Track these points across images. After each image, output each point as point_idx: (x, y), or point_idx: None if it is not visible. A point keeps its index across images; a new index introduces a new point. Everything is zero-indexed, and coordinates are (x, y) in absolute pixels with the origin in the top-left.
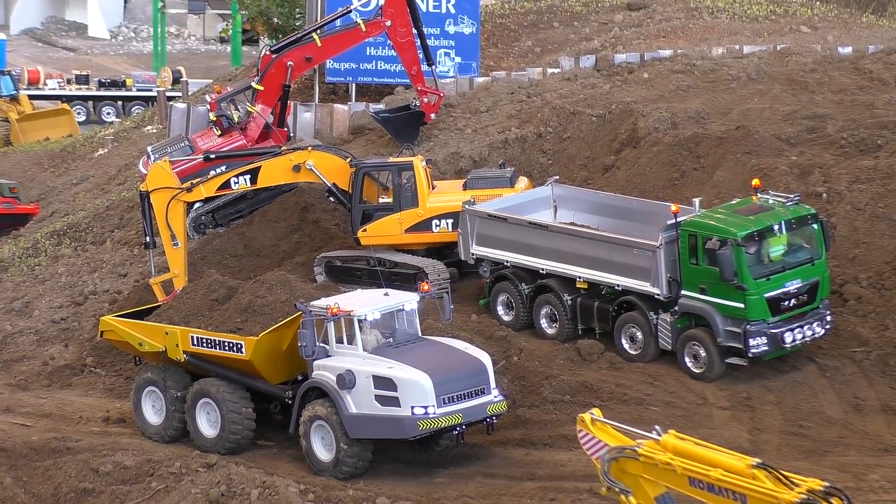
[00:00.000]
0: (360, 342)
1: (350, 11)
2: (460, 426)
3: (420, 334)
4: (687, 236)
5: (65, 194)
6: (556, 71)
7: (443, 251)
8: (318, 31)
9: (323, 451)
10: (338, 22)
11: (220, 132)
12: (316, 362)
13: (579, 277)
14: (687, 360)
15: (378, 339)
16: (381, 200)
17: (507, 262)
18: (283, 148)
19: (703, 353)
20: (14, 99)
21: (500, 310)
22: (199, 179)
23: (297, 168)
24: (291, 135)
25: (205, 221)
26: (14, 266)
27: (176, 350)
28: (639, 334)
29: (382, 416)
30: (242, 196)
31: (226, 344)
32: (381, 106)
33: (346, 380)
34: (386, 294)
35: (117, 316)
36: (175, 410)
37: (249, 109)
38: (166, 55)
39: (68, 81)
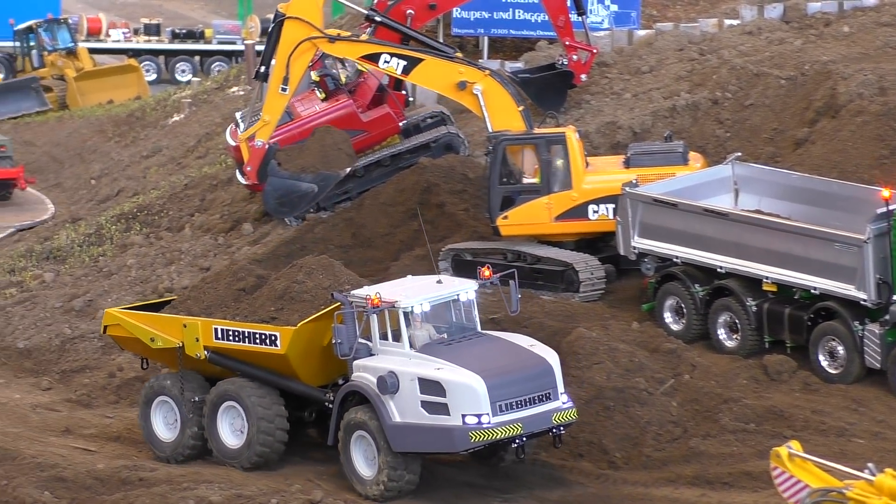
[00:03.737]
0: (408, 338)
1: None
2: (520, 437)
3: (479, 328)
4: None
5: (133, 169)
6: (735, 22)
7: (596, 244)
8: None
9: (364, 466)
10: None
11: (323, 95)
12: (356, 362)
13: (766, 278)
14: None
15: (430, 335)
16: (525, 181)
17: (677, 257)
18: (459, 53)
19: None
20: (71, 53)
21: (668, 316)
22: (348, 34)
23: (461, 85)
24: (411, 98)
25: None
26: (73, 256)
27: (196, 345)
28: (840, 349)
29: (429, 425)
30: (352, 174)
31: (257, 336)
32: (519, 65)
33: (388, 383)
34: (439, 282)
35: (126, 308)
36: (192, 420)
37: (360, 68)
38: (253, 0)
39: (135, 32)
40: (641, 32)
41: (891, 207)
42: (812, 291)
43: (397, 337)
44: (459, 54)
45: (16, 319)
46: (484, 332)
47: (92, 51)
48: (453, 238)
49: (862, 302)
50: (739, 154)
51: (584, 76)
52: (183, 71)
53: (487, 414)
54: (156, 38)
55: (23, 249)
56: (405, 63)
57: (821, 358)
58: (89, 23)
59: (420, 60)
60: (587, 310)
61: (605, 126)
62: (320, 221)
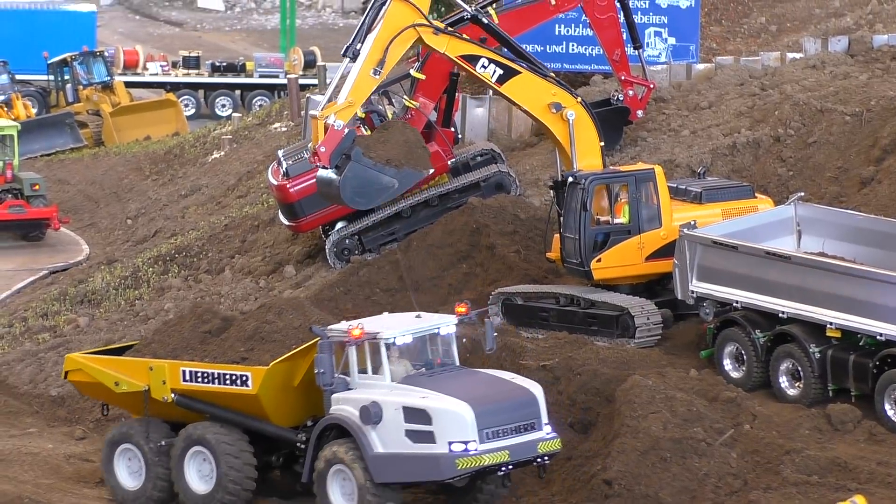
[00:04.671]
0: (388, 371)
1: None
2: (506, 465)
3: (457, 363)
4: None
5: (171, 209)
6: (797, 56)
7: (653, 287)
8: (495, 5)
9: (342, 501)
10: None
11: (369, 132)
12: (335, 395)
13: (830, 324)
14: None
15: (407, 370)
16: (614, 221)
17: (737, 302)
18: (552, 73)
19: None
20: (107, 87)
21: (728, 364)
22: (452, 30)
23: (556, 107)
24: (459, 136)
25: (349, 246)
26: (109, 300)
27: (163, 388)
28: None
29: (414, 454)
30: (398, 214)
31: (227, 377)
32: None
33: (372, 413)
34: (418, 316)
35: (88, 353)
36: (158, 465)
37: (407, 104)
38: (296, 32)
39: (174, 65)
40: (700, 66)
41: None
42: (878, 338)
43: (376, 370)
44: (552, 74)
45: (49, 366)
46: (463, 367)
47: (129, 84)
48: (503, 281)
49: None
50: (802, 194)
51: (640, 112)
52: (223, 105)
53: (475, 441)
54: (195, 71)
55: (56, 292)
56: (501, 72)
57: (887, 407)
58: (126, 55)
59: (517, 72)
60: (643, 356)
61: (663, 164)
62: (365, 264)
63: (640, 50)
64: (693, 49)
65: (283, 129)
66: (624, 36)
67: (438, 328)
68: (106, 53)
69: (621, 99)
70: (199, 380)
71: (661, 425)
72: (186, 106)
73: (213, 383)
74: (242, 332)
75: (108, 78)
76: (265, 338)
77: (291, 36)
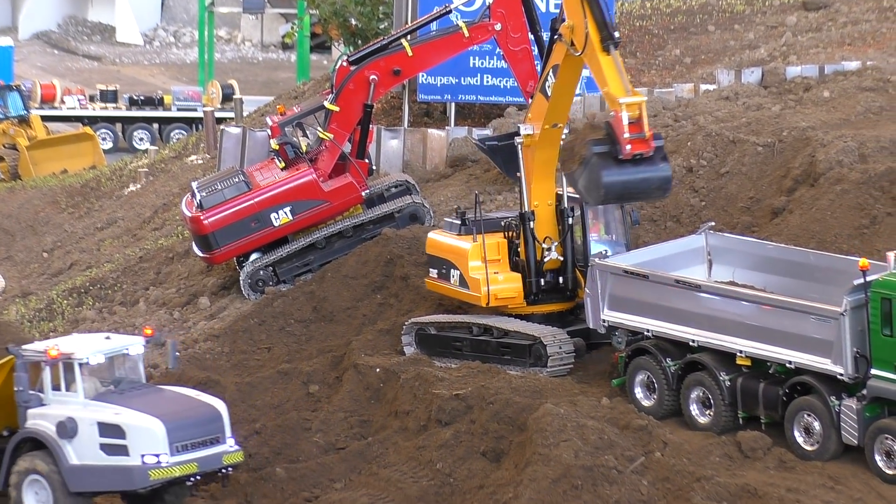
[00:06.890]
0: (82, 388)
1: (449, 12)
2: (194, 476)
3: (144, 381)
4: (879, 300)
5: (87, 241)
6: (711, 87)
7: (566, 316)
8: (409, 37)
9: None
10: (433, 25)
11: (283, 164)
12: (31, 411)
13: (740, 352)
14: (878, 457)
15: (97, 387)
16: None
17: (648, 331)
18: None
19: None
20: (24, 121)
21: (639, 392)
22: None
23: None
24: (374, 167)
25: (263, 277)
26: (23, 333)
27: None
28: (816, 425)
29: (108, 465)
30: (312, 245)
31: None
32: (487, 132)
33: (68, 428)
34: (108, 337)
35: None
36: None
37: (321, 136)
38: (214, 65)
39: (91, 98)
40: None
41: (869, 279)
42: (787, 365)
43: (69, 387)
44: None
45: None
46: (150, 384)
47: (46, 118)
48: (417, 311)
49: (839, 376)
50: (713, 224)
51: None
52: (141, 139)
53: (166, 454)
54: (112, 105)
55: None
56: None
57: (796, 434)
58: (43, 89)
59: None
60: (555, 385)
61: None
62: (280, 295)
63: None
64: None
65: (200, 161)
66: (538, 68)
67: (128, 348)
68: (23, 87)
69: None
70: None
71: (572, 453)
72: (104, 139)
73: None
74: None
75: (25, 112)
76: None
77: (210, 69)
